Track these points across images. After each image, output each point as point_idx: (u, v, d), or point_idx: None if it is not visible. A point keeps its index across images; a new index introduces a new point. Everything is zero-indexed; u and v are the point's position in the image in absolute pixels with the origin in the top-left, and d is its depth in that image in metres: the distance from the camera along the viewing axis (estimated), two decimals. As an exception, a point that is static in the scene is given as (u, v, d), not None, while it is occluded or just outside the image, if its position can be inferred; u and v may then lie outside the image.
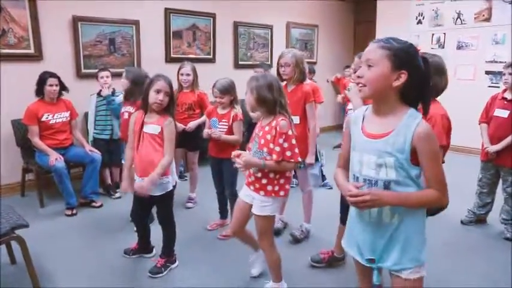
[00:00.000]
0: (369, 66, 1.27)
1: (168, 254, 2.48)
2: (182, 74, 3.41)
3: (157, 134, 2.25)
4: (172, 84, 2.35)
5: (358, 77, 1.30)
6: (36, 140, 3.44)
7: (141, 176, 2.30)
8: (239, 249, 2.49)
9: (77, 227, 3.17)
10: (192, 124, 3.35)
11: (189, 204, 3.54)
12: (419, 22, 6.02)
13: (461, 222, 3.22)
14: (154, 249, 2.65)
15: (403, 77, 1.23)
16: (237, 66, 5.73)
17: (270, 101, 1.95)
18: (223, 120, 2.82)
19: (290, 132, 1.93)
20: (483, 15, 5.36)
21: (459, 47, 5.61)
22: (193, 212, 3.46)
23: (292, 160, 1.93)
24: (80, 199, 3.52)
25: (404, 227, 1.31)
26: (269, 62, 6.08)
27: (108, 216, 3.37)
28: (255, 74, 2.08)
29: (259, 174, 1.99)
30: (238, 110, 2.81)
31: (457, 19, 5.62)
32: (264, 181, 1.98)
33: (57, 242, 2.87)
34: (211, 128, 2.86)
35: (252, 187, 2.04)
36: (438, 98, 1.88)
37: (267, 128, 1.97)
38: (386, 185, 1.29)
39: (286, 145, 1.91)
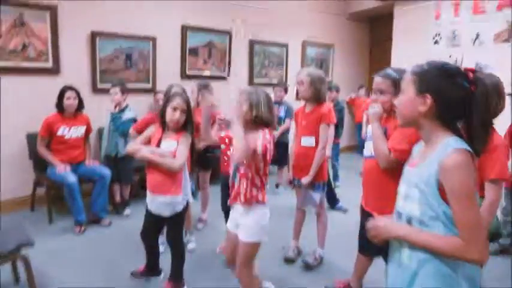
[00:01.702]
0: (401, 93, 1.25)
1: (177, 277, 2.38)
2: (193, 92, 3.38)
3: (172, 151, 2.19)
4: (190, 102, 2.31)
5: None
6: (42, 150, 3.46)
7: (153, 192, 2.24)
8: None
9: (84, 245, 3.10)
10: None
11: (200, 225, 3.45)
12: (436, 42, 5.94)
13: (485, 252, 3.04)
14: (162, 272, 2.56)
15: (428, 102, 1.13)
16: (252, 84, 5.70)
17: (268, 118, 1.91)
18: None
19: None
20: (502, 36, 5.26)
21: (479, 69, 5.48)
22: (204, 233, 3.36)
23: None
24: (89, 216, 3.46)
25: (425, 274, 1.12)
26: (284, 81, 6.05)
27: (116, 235, 3.30)
28: (252, 87, 2.02)
29: (236, 182, 1.94)
30: None
31: (475, 40, 5.53)
32: (241, 190, 1.93)
33: (64, 261, 2.80)
34: None
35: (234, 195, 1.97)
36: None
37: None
38: (409, 221, 1.17)
39: None
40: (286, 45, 6.11)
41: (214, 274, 2.65)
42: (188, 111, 2.25)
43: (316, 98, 2.62)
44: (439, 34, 5.89)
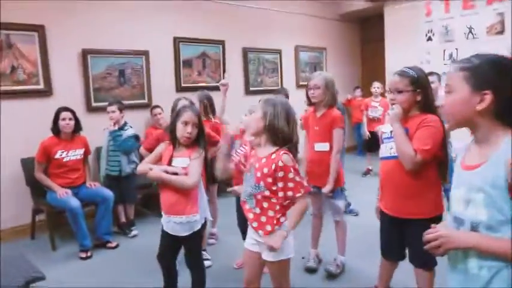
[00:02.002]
0: (449, 92, 1.13)
1: (198, 300, 2.24)
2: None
3: (185, 168, 2.07)
4: (201, 115, 2.19)
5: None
6: (40, 175, 3.31)
7: (167, 213, 2.11)
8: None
9: (92, 270, 2.94)
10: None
11: (211, 241, 3.30)
12: (430, 39, 5.93)
13: None
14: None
15: (488, 98, 1.04)
16: (248, 92, 5.62)
17: (284, 132, 1.71)
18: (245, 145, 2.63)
19: (297, 166, 1.72)
20: (495, 28, 5.28)
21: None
22: (216, 248, 3.22)
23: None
24: (94, 240, 3.30)
25: (499, 283, 1.02)
26: (279, 87, 5.97)
27: (125, 257, 3.14)
28: (272, 96, 1.87)
29: (257, 210, 1.73)
30: None
31: (468, 34, 5.53)
32: (263, 219, 1.72)
33: (73, 290, 2.64)
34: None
35: (254, 224, 1.76)
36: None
37: (263, 161, 1.71)
38: (474, 227, 1.06)
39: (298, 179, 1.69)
40: (279, 51, 6.05)
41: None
42: (200, 125, 2.13)
43: (331, 102, 2.55)
44: (431, 30, 5.89)
